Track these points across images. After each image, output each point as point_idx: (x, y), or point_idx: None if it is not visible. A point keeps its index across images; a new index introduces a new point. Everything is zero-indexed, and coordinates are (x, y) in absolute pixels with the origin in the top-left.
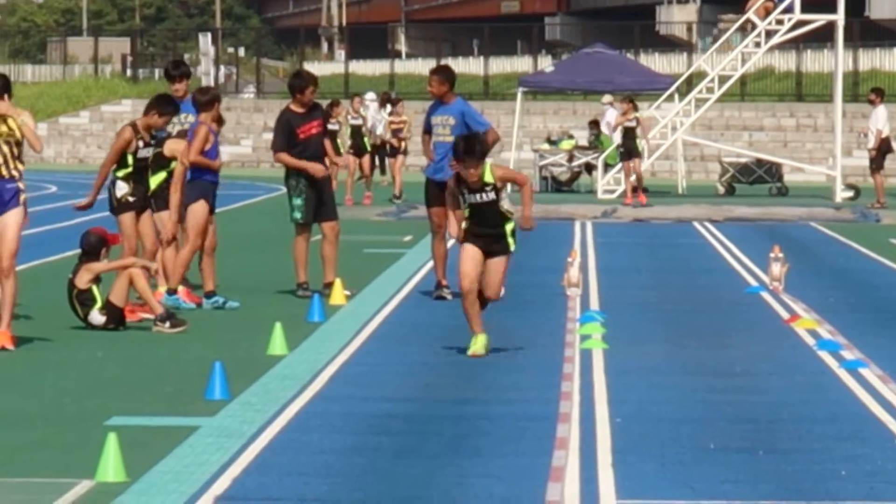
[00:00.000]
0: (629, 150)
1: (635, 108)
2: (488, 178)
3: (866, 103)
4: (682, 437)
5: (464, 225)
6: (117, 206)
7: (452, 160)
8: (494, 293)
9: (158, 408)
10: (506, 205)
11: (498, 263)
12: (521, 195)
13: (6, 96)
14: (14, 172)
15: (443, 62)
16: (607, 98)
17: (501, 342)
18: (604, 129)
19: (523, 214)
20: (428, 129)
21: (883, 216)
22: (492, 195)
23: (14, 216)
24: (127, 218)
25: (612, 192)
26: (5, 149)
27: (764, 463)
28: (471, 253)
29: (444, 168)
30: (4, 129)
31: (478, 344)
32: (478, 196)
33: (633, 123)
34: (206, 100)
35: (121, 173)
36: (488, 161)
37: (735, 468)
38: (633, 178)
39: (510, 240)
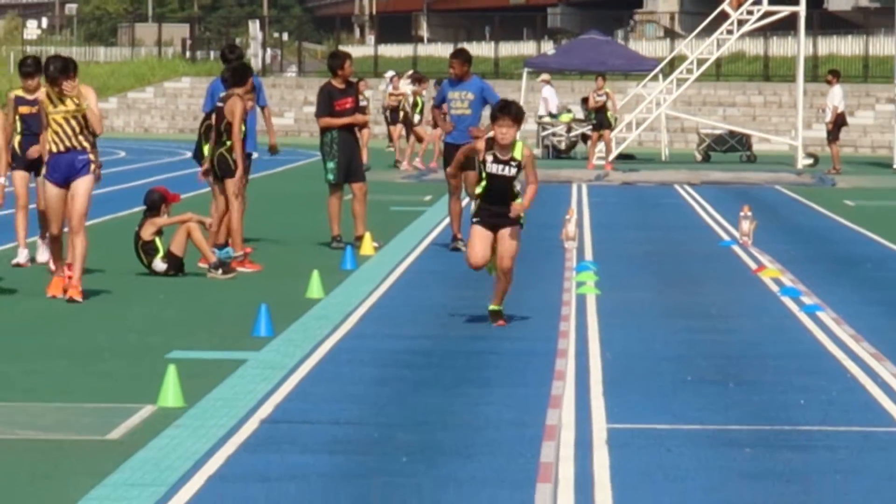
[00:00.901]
0: (601, 121)
1: (603, 86)
2: (517, 153)
3: (824, 83)
4: (663, 371)
5: (475, 204)
6: (233, 170)
7: (473, 129)
8: (508, 263)
9: (212, 343)
10: (518, 186)
11: (510, 233)
12: (526, 189)
13: (71, 76)
14: (85, 144)
15: (459, 46)
16: (544, 76)
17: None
18: (541, 106)
19: (523, 203)
20: (439, 104)
21: (838, 181)
22: (513, 171)
23: (84, 183)
24: (237, 179)
25: (604, 159)
26: (73, 123)
27: (734, 393)
28: (479, 233)
29: (463, 134)
30: (71, 105)
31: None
32: (501, 167)
33: (603, 98)
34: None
35: None
36: (521, 140)
37: (709, 397)
38: (599, 146)
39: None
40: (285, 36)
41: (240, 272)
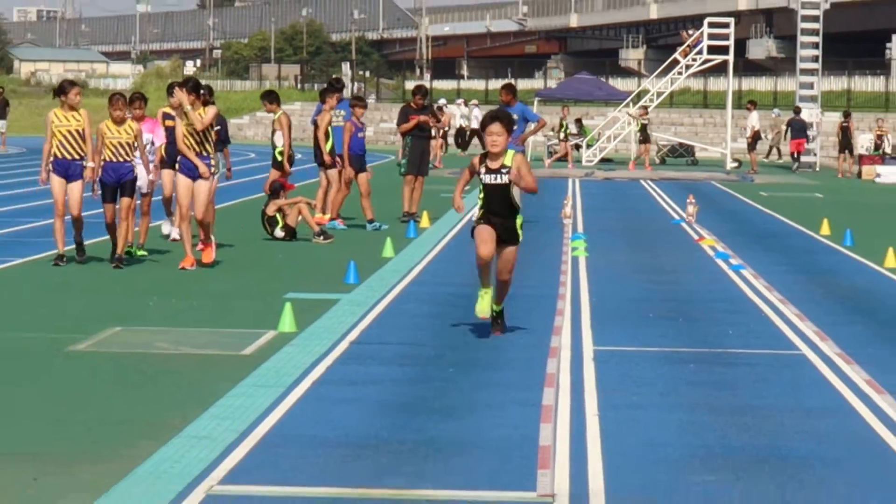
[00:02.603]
0: (646, 137)
1: (646, 112)
2: (508, 161)
3: (745, 109)
4: (633, 310)
5: (478, 212)
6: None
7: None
8: (507, 276)
9: (316, 287)
10: (517, 196)
11: (510, 252)
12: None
13: (194, 95)
14: (206, 152)
15: (490, 82)
16: (474, 101)
17: (521, 252)
18: (474, 121)
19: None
20: None
21: (755, 178)
22: (505, 178)
23: (205, 183)
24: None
25: (591, 161)
26: (192, 137)
27: (682, 326)
28: (485, 230)
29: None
30: (190, 121)
31: (484, 301)
32: (493, 176)
33: (646, 121)
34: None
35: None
36: (512, 151)
37: (665, 329)
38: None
39: (519, 231)
40: (367, 73)
41: (334, 240)
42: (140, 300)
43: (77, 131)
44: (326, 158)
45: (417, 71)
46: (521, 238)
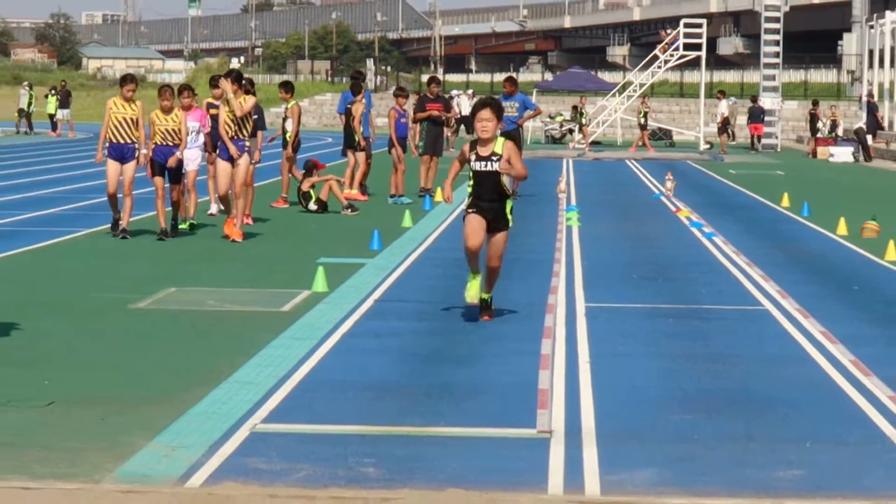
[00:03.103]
0: (645, 124)
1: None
2: (498, 148)
3: (715, 98)
4: (619, 272)
5: (468, 200)
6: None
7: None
8: (496, 263)
9: (345, 252)
10: (507, 182)
11: (500, 238)
12: (513, 175)
13: (237, 85)
14: (242, 135)
15: (496, 75)
16: (469, 91)
17: (522, 223)
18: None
19: (515, 173)
20: None
21: (725, 158)
22: (496, 165)
23: (243, 162)
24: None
25: (582, 144)
26: (232, 123)
27: (662, 286)
28: (474, 218)
29: (508, 126)
30: (231, 108)
31: (473, 287)
32: (484, 164)
33: (648, 109)
34: (398, 90)
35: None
36: (502, 139)
37: (646, 288)
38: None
39: (509, 216)
40: (388, 68)
41: (359, 212)
42: (191, 265)
43: (131, 119)
44: (361, 142)
45: (432, 66)
46: (511, 224)
